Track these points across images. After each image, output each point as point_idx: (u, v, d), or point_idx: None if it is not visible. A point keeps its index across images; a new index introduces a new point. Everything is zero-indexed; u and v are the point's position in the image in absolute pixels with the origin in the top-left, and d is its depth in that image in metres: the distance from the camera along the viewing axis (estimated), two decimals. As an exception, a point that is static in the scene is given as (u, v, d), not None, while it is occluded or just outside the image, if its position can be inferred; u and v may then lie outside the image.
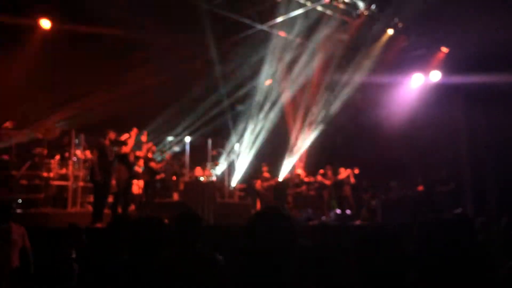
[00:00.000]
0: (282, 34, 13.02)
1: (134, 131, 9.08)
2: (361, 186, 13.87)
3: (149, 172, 10.38)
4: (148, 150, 10.27)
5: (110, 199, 9.30)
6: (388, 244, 2.03)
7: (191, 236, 3.10)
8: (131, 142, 8.94)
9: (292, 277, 1.86)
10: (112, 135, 8.58)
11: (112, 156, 8.59)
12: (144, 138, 9.71)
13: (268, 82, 15.12)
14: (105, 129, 8.71)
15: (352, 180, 13.33)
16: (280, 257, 1.79)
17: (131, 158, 9.08)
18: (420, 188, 13.33)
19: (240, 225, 9.28)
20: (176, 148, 13.73)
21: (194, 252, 3.00)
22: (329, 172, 13.43)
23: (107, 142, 8.53)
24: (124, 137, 9.00)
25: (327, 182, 13.26)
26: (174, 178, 12.19)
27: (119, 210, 9.01)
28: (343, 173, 13.34)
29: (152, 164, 10.47)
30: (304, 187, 13.51)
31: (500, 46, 11.76)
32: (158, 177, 10.93)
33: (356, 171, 13.31)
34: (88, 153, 10.31)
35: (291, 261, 1.81)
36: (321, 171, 13.53)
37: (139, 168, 10.17)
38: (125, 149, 8.82)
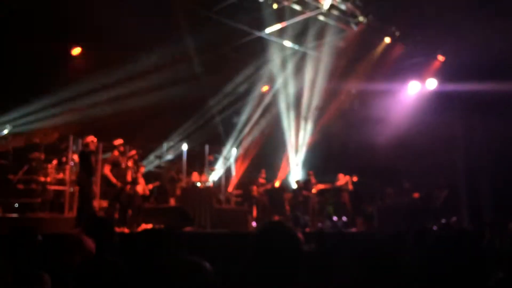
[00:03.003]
0: (279, 41, 13.09)
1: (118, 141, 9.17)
2: (358, 193, 13.93)
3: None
4: (128, 159, 9.94)
5: (105, 204, 9.31)
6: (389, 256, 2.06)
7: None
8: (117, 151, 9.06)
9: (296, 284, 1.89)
10: (93, 141, 8.55)
11: (96, 161, 8.65)
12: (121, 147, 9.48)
13: (265, 88, 15.19)
14: (89, 135, 8.68)
15: (350, 187, 13.38)
16: (286, 269, 1.82)
17: (123, 165, 9.13)
18: (416, 195, 13.38)
19: (237, 232, 9.31)
20: (169, 156, 13.68)
21: (178, 259, 2.95)
22: (313, 180, 13.47)
23: (91, 147, 8.50)
24: (117, 142, 9.09)
25: (309, 193, 13.24)
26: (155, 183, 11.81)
27: (116, 216, 9.03)
28: (342, 179, 13.40)
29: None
30: (303, 193, 13.51)
31: (496, 54, 11.88)
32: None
33: (355, 178, 13.37)
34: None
35: (296, 272, 1.84)
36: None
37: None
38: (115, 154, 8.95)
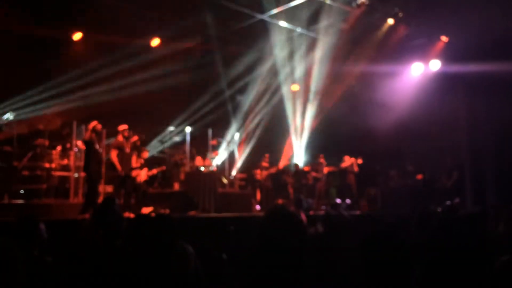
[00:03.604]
0: (282, 24, 13.00)
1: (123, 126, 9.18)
2: (361, 176, 13.96)
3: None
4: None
5: (110, 189, 9.36)
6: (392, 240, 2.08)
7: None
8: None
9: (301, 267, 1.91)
10: (98, 126, 8.56)
11: (101, 147, 8.67)
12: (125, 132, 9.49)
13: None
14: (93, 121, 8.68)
15: (356, 168, 13.42)
16: (289, 253, 1.84)
17: (127, 150, 9.15)
18: (420, 177, 13.40)
19: (241, 215, 9.38)
20: (173, 141, 13.73)
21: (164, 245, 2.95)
22: (322, 161, 13.55)
23: (94, 134, 8.51)
24: (121, 127, 9.11)
25: (318, 175, 13.35)
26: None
27: (121, 200, 9.10)
28: (347, 161, 13.43)
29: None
30: (306, 176, 13.56)
31: (499, 35, 11.77)
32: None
33: (360, 161, 13.41)
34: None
35: (300, 255, 1.86)
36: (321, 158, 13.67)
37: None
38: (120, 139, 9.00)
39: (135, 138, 9.87)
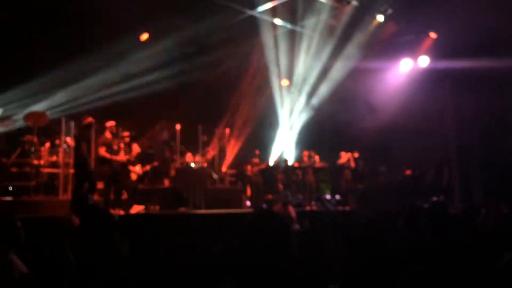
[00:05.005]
0: (271, 20, 13.02)
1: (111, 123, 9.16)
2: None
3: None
4: (120, 140, 9.93)
5: (100, 186, 9.33)
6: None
7: None
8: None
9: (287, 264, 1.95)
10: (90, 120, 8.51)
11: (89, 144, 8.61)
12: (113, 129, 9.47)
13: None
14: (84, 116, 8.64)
15: (353, 164, 13.47)
16: (275, 254, 1.88)
17: (115, 147, 9.13)
18: (408, 172, 13.52)
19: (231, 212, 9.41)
20: (161, 137, 13.66)
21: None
22: (305, 158, 13.60)
23: (85, 130, 8.47)
24: (109, 123, 9.10)
25: (300, 172, 13.37)
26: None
27: (111, 197, 9.10)
28: (344, 157, 13.48)
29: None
30: (296, 172, 13.62)
31: (488, 31, 11.87)
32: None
33: (356, 154, 13.45)
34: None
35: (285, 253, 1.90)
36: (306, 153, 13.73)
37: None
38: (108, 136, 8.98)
39: (126, 134, 9.87)
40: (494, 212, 5.87)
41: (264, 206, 11.08)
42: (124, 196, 9.64)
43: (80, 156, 8.24)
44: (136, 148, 10.49)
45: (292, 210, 8.73)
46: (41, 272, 3.15)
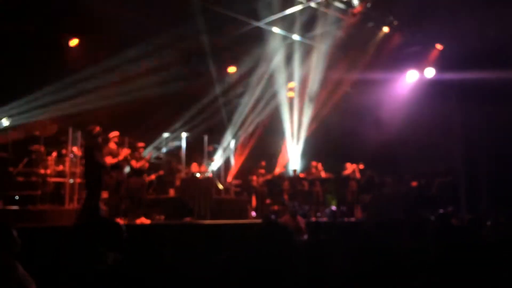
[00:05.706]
0: (277, 31, 13.08)
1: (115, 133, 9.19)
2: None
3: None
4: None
5: (105, 195, 9.33)
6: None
7: None
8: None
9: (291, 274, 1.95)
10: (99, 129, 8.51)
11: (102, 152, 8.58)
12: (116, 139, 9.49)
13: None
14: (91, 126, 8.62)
15: (358, 175, 13.39)
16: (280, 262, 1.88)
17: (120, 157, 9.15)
18: (414, 184, 13.44)
19: (236, 223, 9.38)
20: (168, 147, 13.71)
21: None
22: (313, 170, 13.55)
23: (95, 140, 8.46)
24: (112, 134, 9.12)
25: (306, 183, 13.32)
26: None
27: (117, 206, 9.10)
28: (349, 168, 13.41)
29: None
30: (302, 183, 13.58)
31: (493, 43, 11.89)
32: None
33: (361, 166, 13.38)
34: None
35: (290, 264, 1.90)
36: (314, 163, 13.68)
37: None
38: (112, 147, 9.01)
39: (141, 144, 9.95)
40: (500, 224, 5.84)
41: (273, 217, 11.04)
42: (128, 205, 9.62)
43: (94, 165, 8.14)
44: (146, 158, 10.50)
45: (301, 220, 8.72)
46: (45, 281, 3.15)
